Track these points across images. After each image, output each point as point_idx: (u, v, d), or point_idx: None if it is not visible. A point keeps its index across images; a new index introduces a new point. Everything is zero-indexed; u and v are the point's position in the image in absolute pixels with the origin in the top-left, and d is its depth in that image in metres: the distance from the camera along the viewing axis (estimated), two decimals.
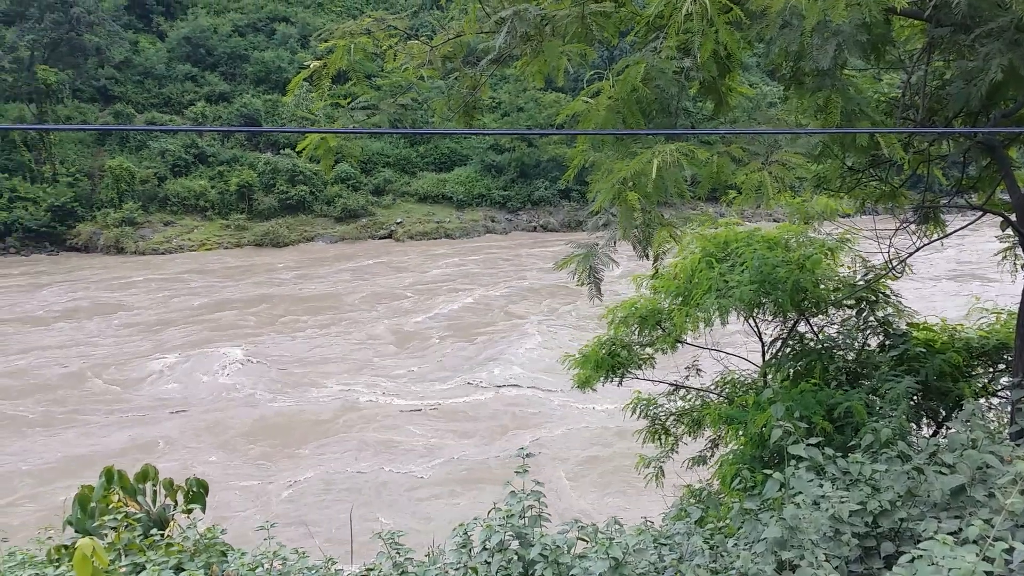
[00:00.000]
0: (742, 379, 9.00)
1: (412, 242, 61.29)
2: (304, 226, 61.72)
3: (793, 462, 4.94)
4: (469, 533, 5.29)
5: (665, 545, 5.29)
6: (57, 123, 58.82)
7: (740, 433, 7.44)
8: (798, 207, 8.94)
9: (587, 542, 5.07)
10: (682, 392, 9.65)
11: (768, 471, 5.13)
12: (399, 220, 64.15)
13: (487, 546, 4.96)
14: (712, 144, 6.10)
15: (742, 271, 7.38)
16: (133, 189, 59.90)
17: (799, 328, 8.40)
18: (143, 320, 37.85)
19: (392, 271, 50.60)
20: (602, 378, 9.09)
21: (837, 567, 4.39)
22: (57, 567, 5.53)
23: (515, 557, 4.88)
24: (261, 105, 68.41)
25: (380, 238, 62.04)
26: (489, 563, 4.90)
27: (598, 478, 20.55)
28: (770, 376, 8.38)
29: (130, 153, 62.39)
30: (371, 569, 6.15)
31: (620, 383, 9.26)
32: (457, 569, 5.18)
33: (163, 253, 56.19)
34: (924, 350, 7.42)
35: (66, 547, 6.16)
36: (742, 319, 8.26)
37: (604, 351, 9.04)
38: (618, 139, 5.62)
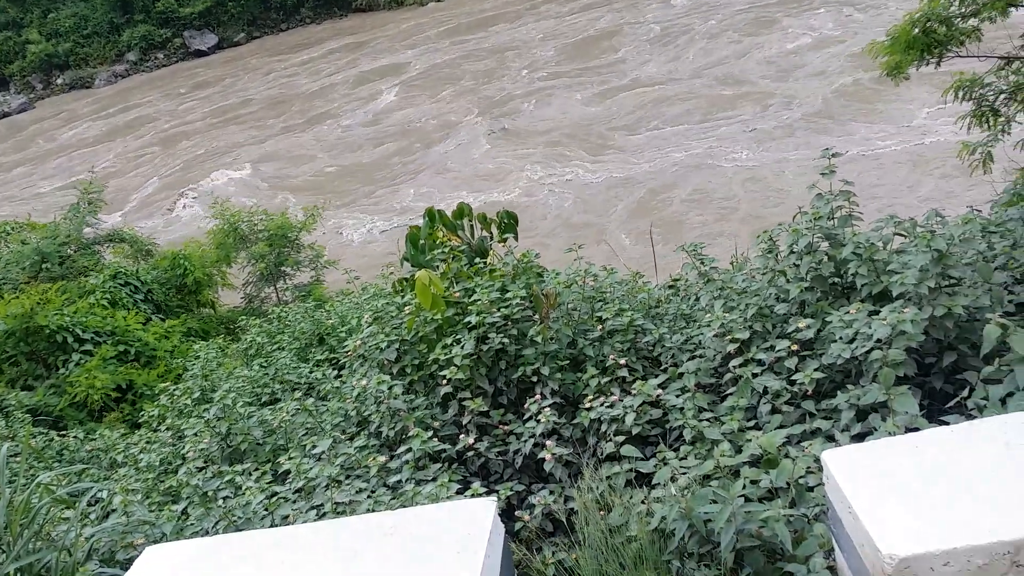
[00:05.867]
0: None
1: None
2: None
3: None
4: (775, 239, 5.19)
5: (995, 233, 4.84)
6: None
7: None
8: None
9: (905, 237, 4.77)
10: (1016, 65, 8.33)
11: None
12: None
13: (794, 249, 4.85)
14: None
15: None
16: None
17: None
18: None
19: None
20: (915, 61, 8.08)
21: None
22: (403, 296, 6.36)
23: (825, 258, 4.75)
24: None
25: None
26: (798, 265, 4.82)
27: (909, 176, 19.08)
28: None
29: None
30: (677, 279, 6.37)
31: (938, 64, 8.19)
32: (764, 274, 5.17)
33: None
34: None
35: (406, 280, 7.05)
36: None
37: (916, 29, 7.94)
38: None
